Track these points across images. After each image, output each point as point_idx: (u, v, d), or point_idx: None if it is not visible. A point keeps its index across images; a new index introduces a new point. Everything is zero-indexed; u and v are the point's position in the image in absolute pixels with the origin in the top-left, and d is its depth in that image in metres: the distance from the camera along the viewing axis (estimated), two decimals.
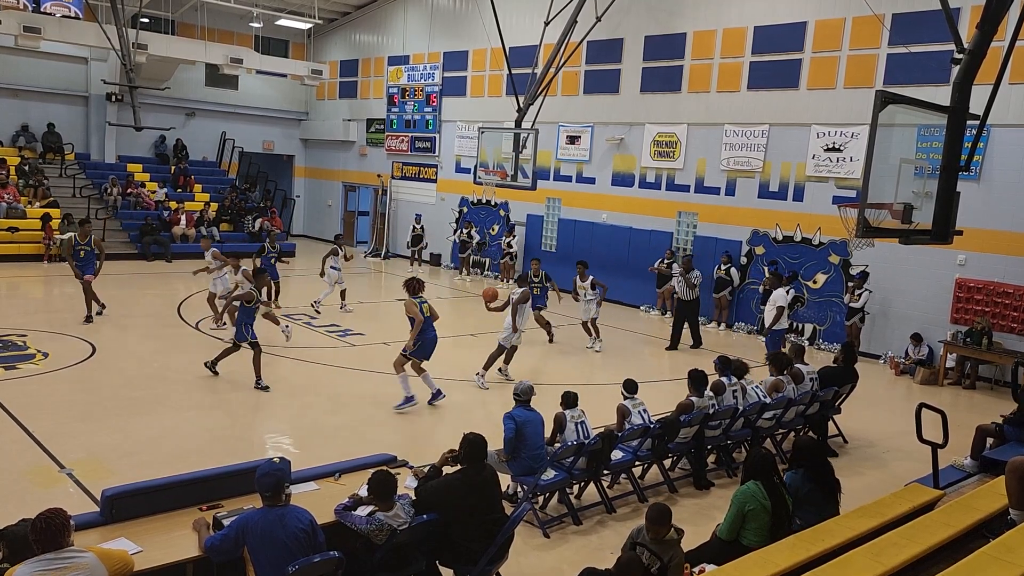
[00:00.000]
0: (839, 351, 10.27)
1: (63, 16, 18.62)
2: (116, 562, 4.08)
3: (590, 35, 17.90)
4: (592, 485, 7.47)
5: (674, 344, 14.47)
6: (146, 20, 22.84)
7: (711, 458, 8.64)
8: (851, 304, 14.59)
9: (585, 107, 19.88)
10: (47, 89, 23.51)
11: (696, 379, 8.22)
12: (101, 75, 23.32)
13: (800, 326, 15.85)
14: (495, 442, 7.09)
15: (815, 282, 15.80)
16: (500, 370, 11.70)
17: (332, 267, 15.76)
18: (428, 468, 5.71)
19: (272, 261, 15.71)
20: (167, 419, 9.15)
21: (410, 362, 9.95)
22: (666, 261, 17.29)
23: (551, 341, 14.36)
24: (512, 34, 18.75)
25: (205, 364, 10.81)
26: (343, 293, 15.97)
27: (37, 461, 7.60)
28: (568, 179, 20.45)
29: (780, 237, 16.35)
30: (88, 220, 15.85)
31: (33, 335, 12.17)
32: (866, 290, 14.48)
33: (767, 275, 15.65)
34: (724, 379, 8.70)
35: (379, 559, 4.95)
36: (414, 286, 10.11)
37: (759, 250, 16.69)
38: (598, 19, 17.54)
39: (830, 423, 9.81)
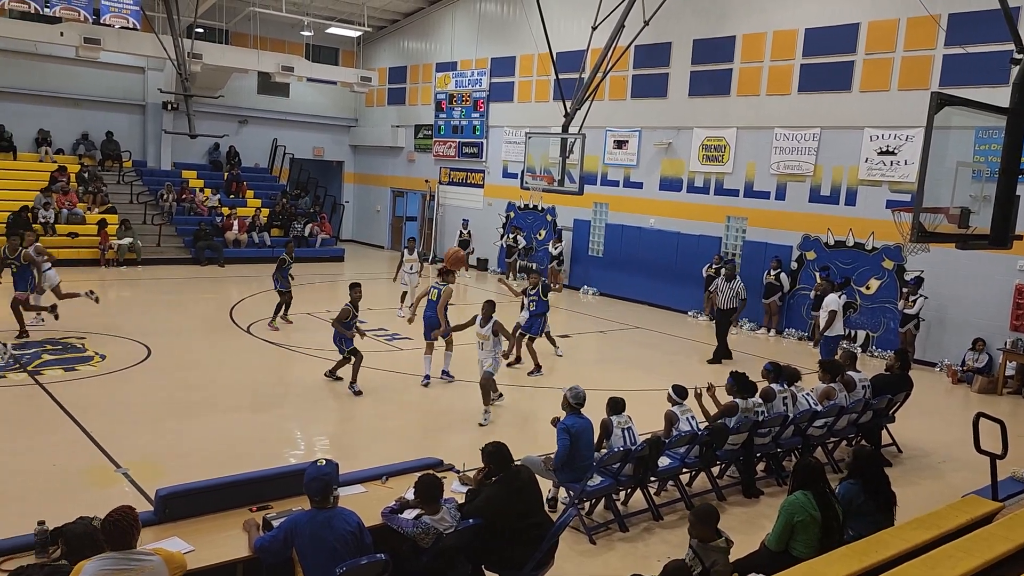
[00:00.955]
0: (893, 358, 10.04)
1: (122, 27, 19.18)
2: (176, 566, 4.15)
3: (638, 39, 17.80)
4: (639, 492, 7.41)
5: (725, 354, 13.93)
6: (201, 30, 23.42)
7: (760, 466, 8.50)
8: (905, 310, 14.23)
9: (633, 111, 19.78)
10: (106, 99, 24.23)
11: (740, 380, 8.09)
12: (157, 84, 23.97)
13: (853, 333, 15.51)
14: (539, 448, 7.11)
15: (868, 288, 15.46)
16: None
17: (407, 272, 15.79)
18: (468, 490, 5.70)
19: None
20: (219, 421, 9.34)
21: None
22: (715, 266, 17.09)
23: (512, 363, 12.54)
24: (559, 39, 18.76)
25: (325, 374, 11.17)
26: (403, 296, 16.01)
27: (94, 461, 7.82)
28: (615, 184, 20.36)
29: (832, 242, 16.04)
30: (22, 232, 14.08)
31: (91, 338, 12.53)
32: (921, 296, 14.11)
33: (818, 280, 15.38)
34: (775, 386, 8.56)
35: (425, 563, 4.98)
36: (444, 272, 11.42)
37: (810, 255, 16.40)
38: (646, 23, 17.41)
39: (884, 432, 9.59)
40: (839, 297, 12.57)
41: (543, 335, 12.75)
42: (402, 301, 15.89)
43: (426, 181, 26.09)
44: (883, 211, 14.78)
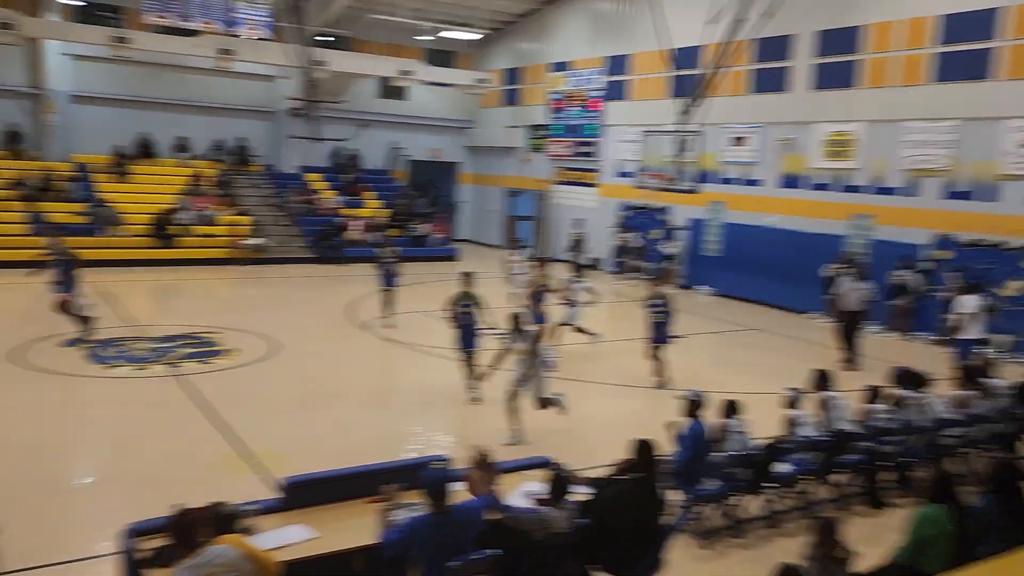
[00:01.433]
0: None
1: (255, 38, 20.23)
2: (261, 561, 4.06)
3: (758, 33, 17.28)
4: (755, 498, 7.19)
5: (850, 358, 13.31)
6: (326, 38, 24.36)
7: (887, 476, 8.08)
8: None
9: (752, 107, 19.21)
10: (238, 106, 25.61)
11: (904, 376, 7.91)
12: (285, 92, 25.13)
13: (991, 337, 14.49)
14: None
15: (1009, 290, 14.41)
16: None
17: (514, 273, 15.77)
18: (604, 481, 5.71)
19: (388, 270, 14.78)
20: (342, 413, 9.71)
21: None
22: (839, 267, 16.35)
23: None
24: (676, 35, 18.43)
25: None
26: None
27: (226, 449, 8.29)
28: (734, 181, 19.84)
29: (968, 240, 15.05)
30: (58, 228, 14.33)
31: (224, 333, 13.27)
32: None
33: (953, 281, 14.46)
34: (905, 391, 8.12)
35: (535, 558, 5.00)
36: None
37: (943, 254, 15.44)
38: (766, 16, 16.88)
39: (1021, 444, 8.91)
40: (978, 298, 11.77)
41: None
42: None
43: (540, 181, 26.22)
44: None
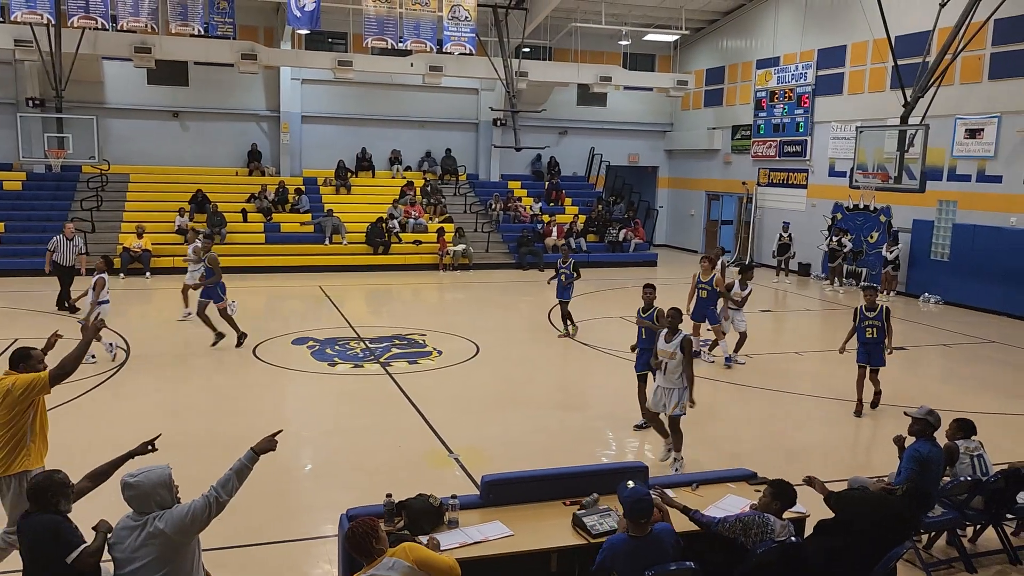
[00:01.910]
0: None
1: (460, 54, 21.15)
2: (437, 566, 4.01)
3: (999, 12, 15.54)
4: (991, 530, 6.42)
5: None
6: (527, 49, 24.97)
7: None
8: None
9: (990, 95, 17.31)
10: (445, 119, 26.88)
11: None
12: (488, 103, 26.08)
13: None
14: (858, 466, 6.47)
15: None
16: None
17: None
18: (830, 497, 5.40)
19: (563, 279, 14.02)
20: (540, 415, 9.83)
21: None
22: None
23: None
24: (898, 21, 17.01)
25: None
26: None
27: (431, 445, 8.65)
28: (966, 179, 17.97)
29: None
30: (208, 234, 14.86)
31: (431, 335, 13.91)
32: None
33: None
34: None
35: (740, 573, 4.77)
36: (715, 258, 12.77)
37: None
38: None
39: None
40: None
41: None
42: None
43: (743, 183, 25.23)
44: None
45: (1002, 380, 12.05)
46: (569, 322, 14.12)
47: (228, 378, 11.22)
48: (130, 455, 4.71)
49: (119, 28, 18.98)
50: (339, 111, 25.66)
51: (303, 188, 23.91)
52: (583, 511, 5.21)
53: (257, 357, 12.17)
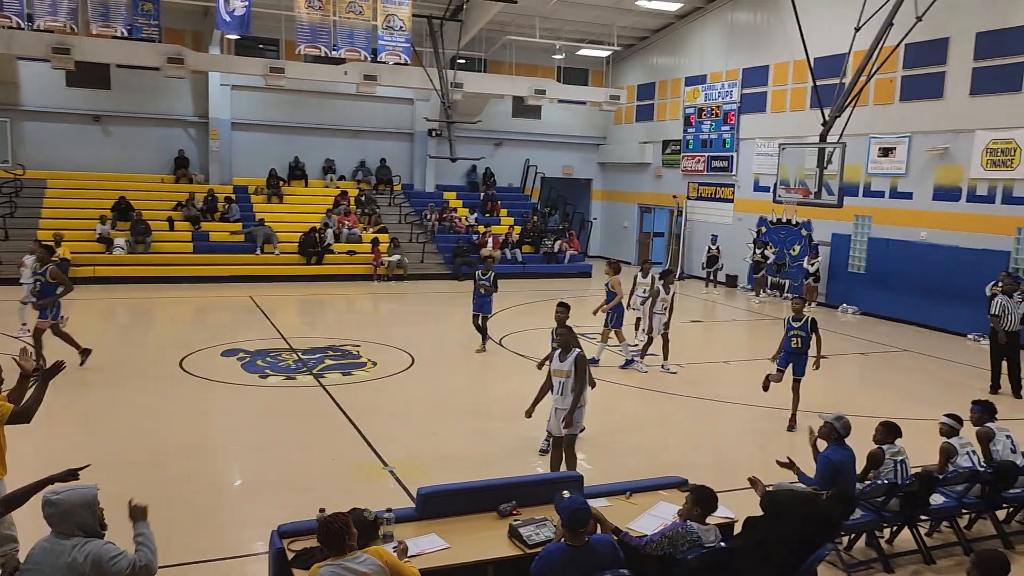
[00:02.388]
0: None
1: (395, 63, 21.10)
2: (404, 572, 4.19)
3: (908, 37, 16.36)
4: (907, 531, 6.74)
5: (995, 385, 12.18)
6: (462, 61, 25.07)
7: None
8: None
9: (901, 116, 18.18)
10: (380, 129, 26.76)
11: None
12: (424, 113, 26.07)
13: None
14: (783, 473, 6.71)
15: None
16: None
17: (640, 295, 13.90)
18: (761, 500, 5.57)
19: (483, 292, 13.63)
20: (476, 426, 9.87)
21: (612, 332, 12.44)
22: (1000, 284, 15.15)
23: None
24: (817, 43, 17.70)
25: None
26: (636, 322, 14.71)
27: (366, 458, 8.60)
28: (880, 195, 18.81)
29: None
30: (48, 245, 12.80)
31: (365, 346, 13.81)
32: None
33: None
34: None
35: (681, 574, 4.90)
36: (617, 266, 12.95)
37: None
38: (918, 19, 15.95)
39: None
40: None
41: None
42: (636, 328, 14.39)
43: (674, 197, 25.83)
44: None
45: (915, 387, 12.64)
46: (485, 336, 13.75)
47: (152, 393, 10.85)
48: (50, 480, 4.42)
49: (36, 28, 18.33)
50: (271, 118, 25.27)
51: (233, 196, 23.45)
52: (519, 522, 5.28)
53: (184, 370, 11.88)
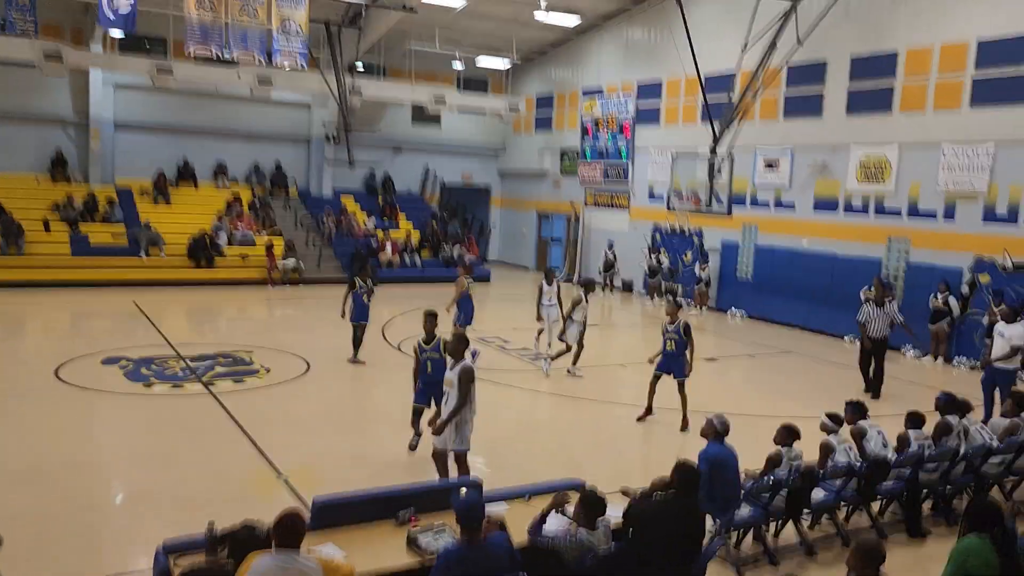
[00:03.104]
0: None
1: (291, 68, 20.60)
2: (342, 571, 4.31)
3: (791, 59, 17.25)
4: (791, 525, 7.06)
5: (868, 386, 12.75)
6: (361, 67, 24.75)
7: (927, 504, 7.89)
8: None
9: (784, 132, 19.12)
10: (275, 133, 26.09)
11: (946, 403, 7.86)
12: (321, 119, 25.62)
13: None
14: None
15: None
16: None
17: (546, 304, 13.75)
18: (640, 493, 5.68)
19: (365, 299, 13.17)
20: (372, 433, 9.73)
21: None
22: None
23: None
24: (707, 61, 18.45)
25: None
26: (538, 333, 14.56)
27: (258, 467, 8.34)
28: (765, 205, 19.71)
29: (1010, 265, 14.75)
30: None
31: (258, 352, 13.41)
32: None
33: (995, 307, 14.16)
34: (949, 418, 7.94)
35: None
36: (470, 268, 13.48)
37: (984, 278, 15.16)
38: (799, 43, 16.87)
39: None
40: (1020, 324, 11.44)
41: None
42: (537, 338, 14.32)
43: (571, 204, 26.29)
44: None
45: (798, 386, 13.27)
46: (357, 349, 13.09)
47: (25, 403, 10.18)
48: None
49: None
50: (158, 120, 24.23)
51: (116, 198, 22.34)
52: (417, 530, 5.24)
53: (61, 379, 11.22)
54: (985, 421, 8.99)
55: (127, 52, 22.39)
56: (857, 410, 7.77)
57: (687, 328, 10.25)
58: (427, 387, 8.45)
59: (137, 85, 22.73)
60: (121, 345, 13.36)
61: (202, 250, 21.12)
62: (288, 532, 4.15)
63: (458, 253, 24.70)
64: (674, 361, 10.23)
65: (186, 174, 24.57)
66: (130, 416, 10.08)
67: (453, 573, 4.55)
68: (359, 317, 13.07)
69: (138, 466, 8.35)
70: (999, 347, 11.16)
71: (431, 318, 8.82)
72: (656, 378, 10.38)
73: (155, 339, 14.06)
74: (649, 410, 10.46)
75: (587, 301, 12.95)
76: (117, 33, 19.57)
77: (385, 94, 24.45)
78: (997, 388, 10.71)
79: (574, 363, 12.95)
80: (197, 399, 10.66)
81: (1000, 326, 11.18)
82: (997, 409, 9.99)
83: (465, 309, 13.52)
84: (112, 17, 18.04)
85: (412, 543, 5.14)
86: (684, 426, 10.18)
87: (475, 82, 28.50)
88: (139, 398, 10.63)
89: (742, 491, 6.61)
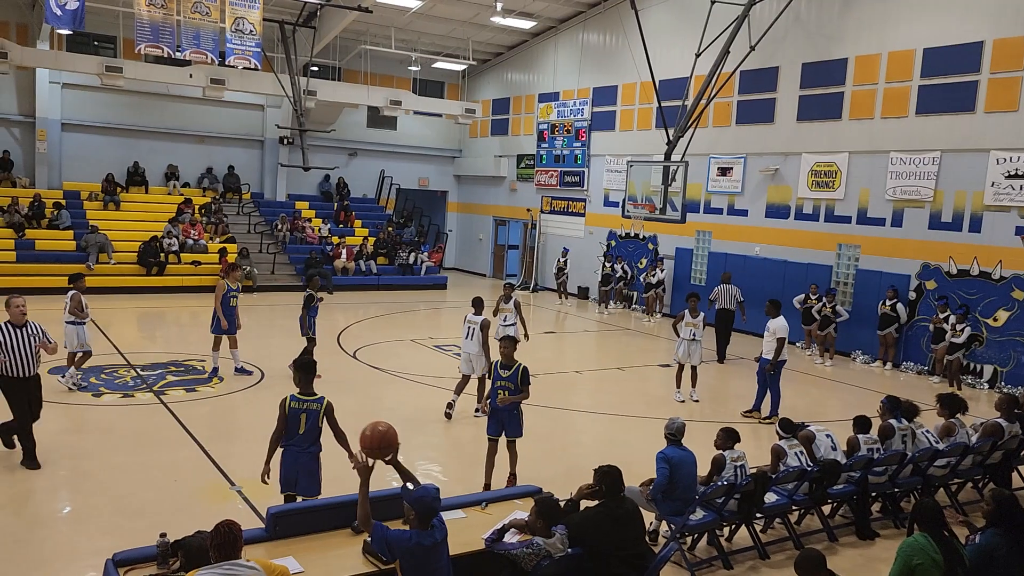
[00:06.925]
0: None
1: (244, 68, 20.33)
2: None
3: (743, 65, 17.55)
4: (744, 528, 7.17)
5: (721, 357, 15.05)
6: (315, 68, 24.53)
7: (876, 506, 8.08)
8: None
9: (737, 138, 19.44)
10: (228, 135, 25.69)
11: (893, 406, 8.07)
12: (275, 120, 25.29)
13: (979, 367, 14.62)
14: (633, 477, 6.99)
15: (996, 320, 14.55)
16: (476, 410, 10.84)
17: (502, 324, 12.56)
18: (565, 502, 5.70)
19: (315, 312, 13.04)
20: (328, 442, 9.60)
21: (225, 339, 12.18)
22: (811, 296, 16.58)
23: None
24: (662, 67, 18.69)
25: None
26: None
27: (211, 478, 8.19)
28: (719, 211, 20.00)
29: (954, 271, 15.21)
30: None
31: (211, 360, 13.15)
32: None
33: (945, 314, 14.58)
34: (894, 421, 8.14)
35: None
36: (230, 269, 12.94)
37: (930, 285, 15.59)
38: (752, 49, 17.18)
39: (1015, 474, 8.95)
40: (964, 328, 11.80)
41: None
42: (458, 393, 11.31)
43: (528, 210, 26.36)
44: (1012, 238, 13.98)
45: (750, 391, 13.44)
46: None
47: None
48: None
49: None
50: (107, 120, 23.70)
51: (63, 202, 21.77)
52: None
53: None
54: None
55: (75, 50, 21.91)
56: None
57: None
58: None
59: (86, 84, 22.24)
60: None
61: (153, 256, 20.69)
62: (226, 543, 4.13)
63: (416, 259, 24.57)
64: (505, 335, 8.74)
65: (136, 177, 24.06)
66: (78, 426, 9.82)
67: (400, 551, 4.65)
68: (312, 329, 12.92)
69: (87, 478, 8.13)
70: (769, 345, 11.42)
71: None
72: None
73: (104, 347, 13.71)
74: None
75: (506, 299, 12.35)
76: (65, 31, 19.09)
77: (340, 96, 24.25)
78: None
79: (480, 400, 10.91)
80: (148, 409, 10.43)
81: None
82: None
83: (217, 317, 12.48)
84: (60, 14, 17.61)
85: (368, 551, 5.11)
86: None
87: (431, 85, 28.46)
88: (87, 408, 10.36)
89: (696, 496, 6.70)
